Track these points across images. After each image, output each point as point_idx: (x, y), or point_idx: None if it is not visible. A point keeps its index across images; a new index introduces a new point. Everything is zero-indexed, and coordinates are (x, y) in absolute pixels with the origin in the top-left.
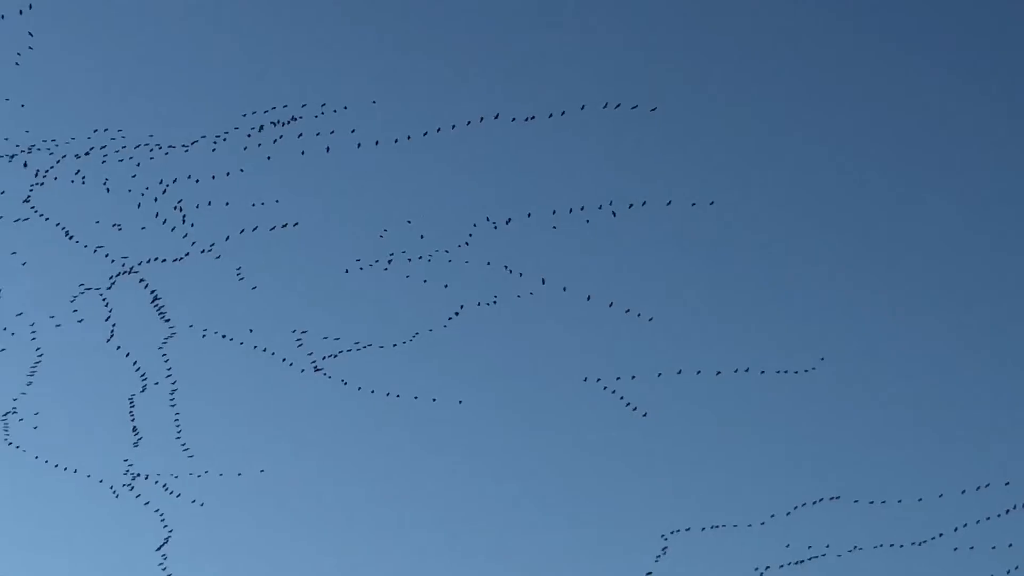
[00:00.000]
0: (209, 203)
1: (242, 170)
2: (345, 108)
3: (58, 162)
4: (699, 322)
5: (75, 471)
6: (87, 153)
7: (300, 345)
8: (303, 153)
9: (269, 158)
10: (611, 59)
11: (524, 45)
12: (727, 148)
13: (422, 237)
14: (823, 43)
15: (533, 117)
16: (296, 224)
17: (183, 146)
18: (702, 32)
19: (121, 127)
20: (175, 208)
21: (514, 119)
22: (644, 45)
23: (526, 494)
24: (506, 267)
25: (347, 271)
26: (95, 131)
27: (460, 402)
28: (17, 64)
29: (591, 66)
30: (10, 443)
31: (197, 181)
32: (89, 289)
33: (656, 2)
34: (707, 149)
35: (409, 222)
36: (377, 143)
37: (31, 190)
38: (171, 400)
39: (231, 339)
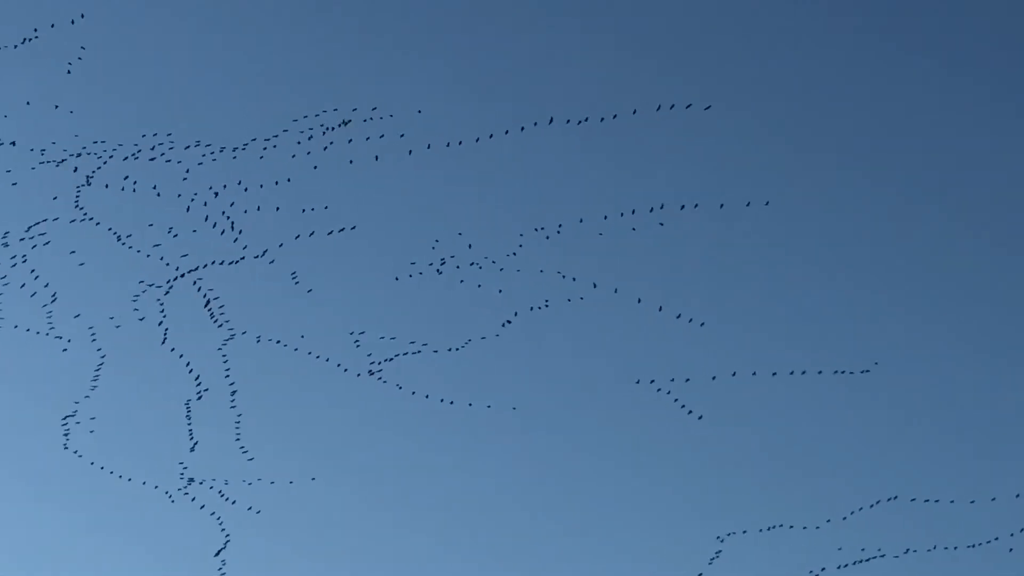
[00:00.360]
0: (258, 208)
1: (289, 180)
2: (391, 116)
3: (104, 163)
4: (753, 324)
5: (130, 479)
6: (135, 156)
7: (358, 345)
8: (351, 162)
9: (316, 168)
10: (659, 60)
11: (569, 51)
12: (779, 148)
13: (470, 246)
14: (883, 42)
15: (584, 120)
16: (353, 227)
17: (233, 150)
18: (748, 30)
19: (170, 131)
20: (223, 214)
21: (548, 121)
22: (695, 45)
23: (580, 498)
24: (559, 272)
25: (397, 279)
26: (143, 135)
27: (514, 408)
28: (68, 72)
29: (638, 69)
30: (67, 448)
31: (246, 189)
32: (145, 291)
33: (693, 3)
34: (759, 149)
35: (460, 234)
36: (429, 146)
37: (79, 192)
38: (232, 403)
39: (285, 344)
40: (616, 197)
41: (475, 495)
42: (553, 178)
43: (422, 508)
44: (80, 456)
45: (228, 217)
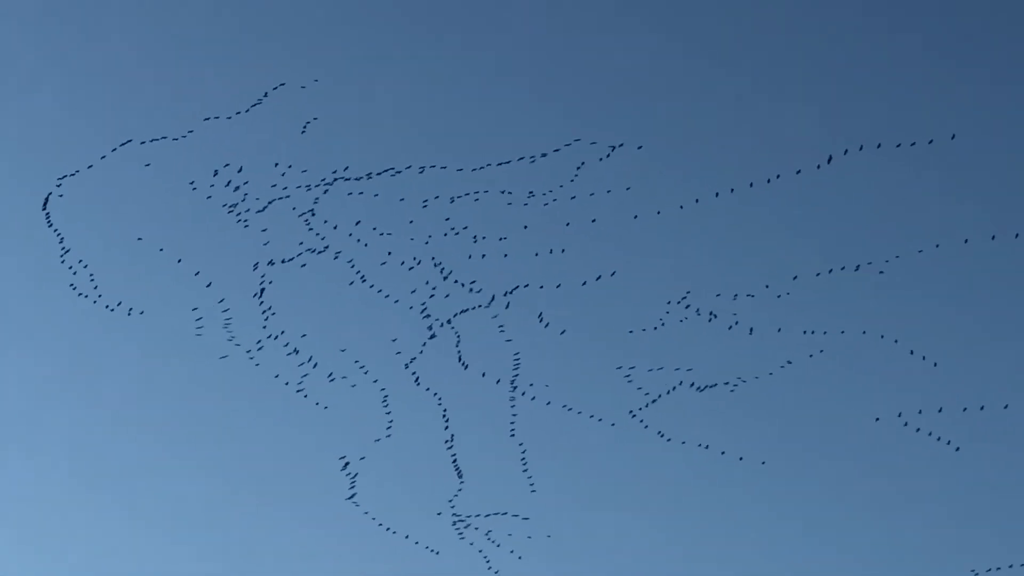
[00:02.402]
0: (486, 255)
1: (525, 227)
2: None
3: (331, 183)
4: (991, 356)
5: (396, 532)
6: (368, 176)
7: (629, 380)
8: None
9: (594, 220)
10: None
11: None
12: (1014, 183)
13: (718, 295)
14: None
15: (827, 160)
16: (613, 274)
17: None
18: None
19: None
20: (473, 255)
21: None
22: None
23: (835, 537)
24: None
25: (656, 327)
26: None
27: (763, 463)
28: (303, 133)
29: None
30: (353, 499)
31: (481, 238)
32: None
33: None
34: (994, 185)
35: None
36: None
37: (311, 216)
38: (522, 461)
39: (536, 389)
40: (848, 243)
41: (735, 542)
42: (793, 229)
43: (677, 555)
44: (367, 512)
45: (482, 256)
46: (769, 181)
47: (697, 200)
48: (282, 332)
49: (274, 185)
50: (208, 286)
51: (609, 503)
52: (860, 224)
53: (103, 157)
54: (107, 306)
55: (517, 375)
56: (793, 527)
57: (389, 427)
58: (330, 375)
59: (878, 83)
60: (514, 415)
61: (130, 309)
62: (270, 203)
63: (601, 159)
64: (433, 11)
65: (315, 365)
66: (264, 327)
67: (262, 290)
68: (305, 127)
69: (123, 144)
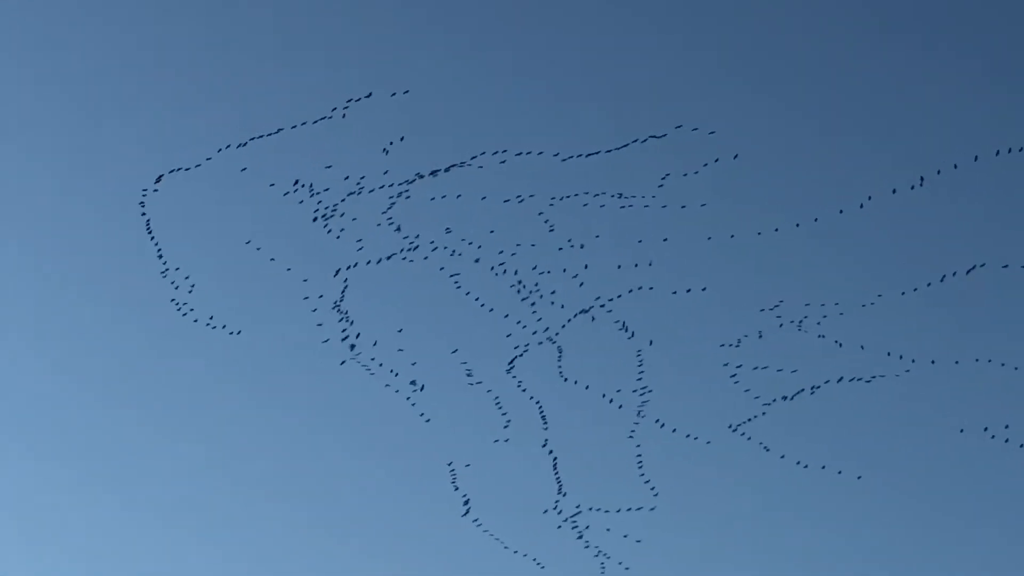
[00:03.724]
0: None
1: (595, 238)
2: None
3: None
4: None
5: (501, 541)
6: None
7: (736, 385)
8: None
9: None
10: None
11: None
12: None
13: (815, 319)
14: None
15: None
16: (704, 289)
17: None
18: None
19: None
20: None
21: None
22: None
23: (935, 551)
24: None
25: (738, 342)
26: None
27: (859, 478)
28: (386, 152)
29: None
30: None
31: (594, 238)
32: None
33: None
34: None
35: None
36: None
37: (390, 205)
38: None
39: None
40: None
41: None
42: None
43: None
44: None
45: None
46: (863, 203)
47: (798, 224)
48: (357, 335)
49: (353, 193)
50: (307, 299)
51: (705, 516)
52: (950, 239)
53: (199, 164)
54: (210, 320)
55: (620, 391)
56: (893, 539)
57: (507, 427)
58: (417, 384)
59: (985, 92)
60: (634, 430)
61: (223, 324)
62: (357, 207)
63: (696, 172)
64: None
65: (415, 382)
66: (345, 330)
67: (342, 295)
68: (391, 143)
69: (220, 150)
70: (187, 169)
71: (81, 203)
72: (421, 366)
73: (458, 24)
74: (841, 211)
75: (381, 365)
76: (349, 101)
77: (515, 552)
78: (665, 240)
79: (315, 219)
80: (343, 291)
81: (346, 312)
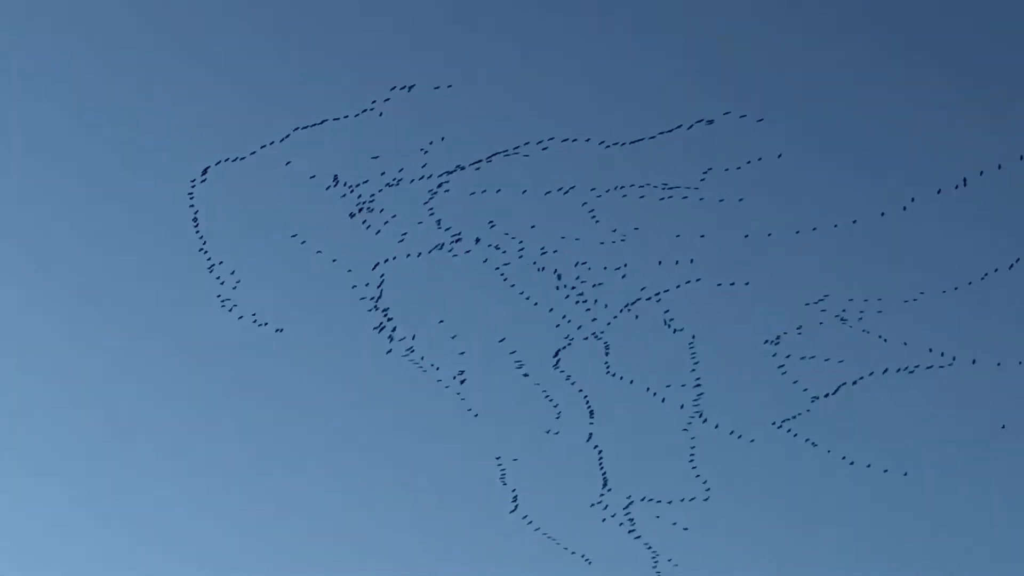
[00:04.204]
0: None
1: (634, 230)
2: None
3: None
4: None
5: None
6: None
7: (785, 376)
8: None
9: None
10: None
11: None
12: None
13: (850, 300)
14: None
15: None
16: (747, 283)
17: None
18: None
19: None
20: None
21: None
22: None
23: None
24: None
25: (775, 341)
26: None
27: (905, 474)
28: (424, 153)
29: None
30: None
31: (635, 229)
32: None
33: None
34: None
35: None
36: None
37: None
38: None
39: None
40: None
41: (872, 546)
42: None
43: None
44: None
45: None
46: (908, 204)
47: (848, 221)
48: (394, 329)
49: (391, 184)
50: (362, 296)
51: (753, 513)
52: (992, 239)
53: (243, 157)
54: (254, 318)
55: (669, 386)
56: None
57: (558, 418)
58: (460, 376)
59: None
60: (691, 436)
61: (266, 323)
62: (397, 200)
63: (740, 167)
64: None
65: (462, 376)
66: (382, 324)
67: (380, 290)
68: (431, 143)
69: (263, 147)
70: (232, 160)
71: (129, 197)
72: (467, 358)
73: (501, 13)
74: (883, 214)
75: (432, 365)
76: (393, 88)
77: (564, 548)
78: (702, 236)
79: (352, 215)
80: (380, 285)
81: (385, 309)
